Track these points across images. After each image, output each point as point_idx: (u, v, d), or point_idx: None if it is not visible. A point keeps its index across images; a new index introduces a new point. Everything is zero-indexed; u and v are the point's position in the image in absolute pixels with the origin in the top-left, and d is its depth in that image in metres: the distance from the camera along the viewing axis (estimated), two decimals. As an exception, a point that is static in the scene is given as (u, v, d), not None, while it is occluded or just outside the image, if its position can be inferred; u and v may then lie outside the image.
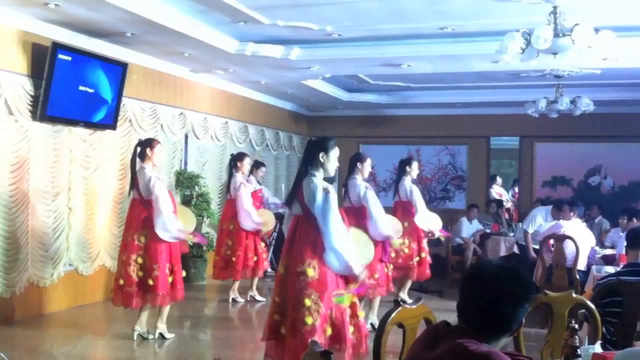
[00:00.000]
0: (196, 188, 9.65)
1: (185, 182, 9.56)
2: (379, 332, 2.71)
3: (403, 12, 6.75)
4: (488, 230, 10.65)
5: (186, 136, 9.77)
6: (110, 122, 7.79)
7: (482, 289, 2.17)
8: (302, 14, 6.93)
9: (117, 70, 7.71)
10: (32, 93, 6.76)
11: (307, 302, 4.43)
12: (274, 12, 6.86)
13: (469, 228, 10.78)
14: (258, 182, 9.35)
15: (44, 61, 6.73)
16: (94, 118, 7.56)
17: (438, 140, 13.14)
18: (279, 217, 10.53)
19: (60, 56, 6.85)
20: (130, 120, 8.30)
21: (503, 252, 9.62)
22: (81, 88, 7.28)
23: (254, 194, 9.58)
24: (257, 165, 9.65)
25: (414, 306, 2.87)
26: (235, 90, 10.94)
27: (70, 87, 7.10)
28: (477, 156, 13.05)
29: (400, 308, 2.77)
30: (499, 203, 11.83)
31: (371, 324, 6.58)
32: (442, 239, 9.07)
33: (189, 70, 9.41)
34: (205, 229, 9.67)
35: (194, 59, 8.63)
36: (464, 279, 2.26)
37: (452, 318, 2.24)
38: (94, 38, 7.39)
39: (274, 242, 10.63)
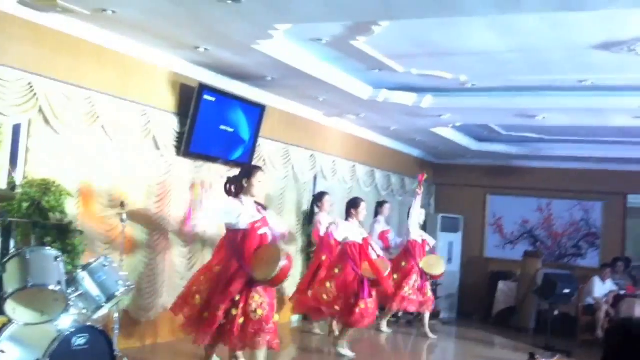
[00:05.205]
0: (322, 229, 9.78)
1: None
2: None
3: (543, 63, 6.65)
4: (622, 292, 10.08)
5: (315, 177, 10.01)
6: (246, 161, 8.13)
7: (627, 345, 2.10)
8: (438, 62, 6.99)
9: (256, 112, 8.07)
10: (178, 130, 7.21)
11: None
12: (409, 60, 6.96)
13: (602, 288, 10.30)
14: (386, 222, 9.55)
15: (190, 101, 7.17)
16: (232, 156, 7.93)
17: (571, 194, 12.65)
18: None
19: (206, 97, 7.28)
20: (264, 160, 8.62)
21: (638, 315, 9.05)
22: (222, 127, 7.67)
23: (382, 234, 9.73)
24: (380, 204, 9.96)
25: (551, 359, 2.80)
26: (364, 135, 11.11)
27: (213, 126, 7.50)
28: (613, 214, 12.43)
29: (534, 361, 2.72)
30: (627, 261, 11.21)
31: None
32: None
33: (322, 114, 9.68)
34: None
35: (328, 104, 8.89)
36: (607, 334, 2.21)
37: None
38: (236, 80, 7.80)
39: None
